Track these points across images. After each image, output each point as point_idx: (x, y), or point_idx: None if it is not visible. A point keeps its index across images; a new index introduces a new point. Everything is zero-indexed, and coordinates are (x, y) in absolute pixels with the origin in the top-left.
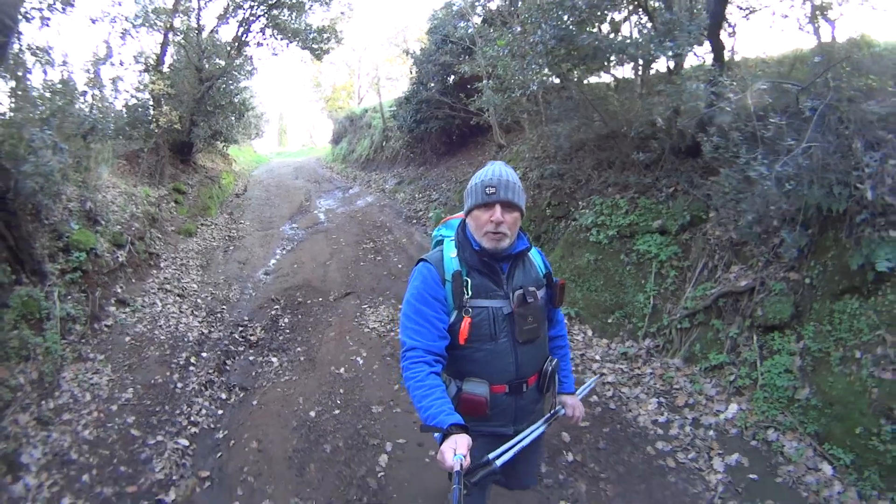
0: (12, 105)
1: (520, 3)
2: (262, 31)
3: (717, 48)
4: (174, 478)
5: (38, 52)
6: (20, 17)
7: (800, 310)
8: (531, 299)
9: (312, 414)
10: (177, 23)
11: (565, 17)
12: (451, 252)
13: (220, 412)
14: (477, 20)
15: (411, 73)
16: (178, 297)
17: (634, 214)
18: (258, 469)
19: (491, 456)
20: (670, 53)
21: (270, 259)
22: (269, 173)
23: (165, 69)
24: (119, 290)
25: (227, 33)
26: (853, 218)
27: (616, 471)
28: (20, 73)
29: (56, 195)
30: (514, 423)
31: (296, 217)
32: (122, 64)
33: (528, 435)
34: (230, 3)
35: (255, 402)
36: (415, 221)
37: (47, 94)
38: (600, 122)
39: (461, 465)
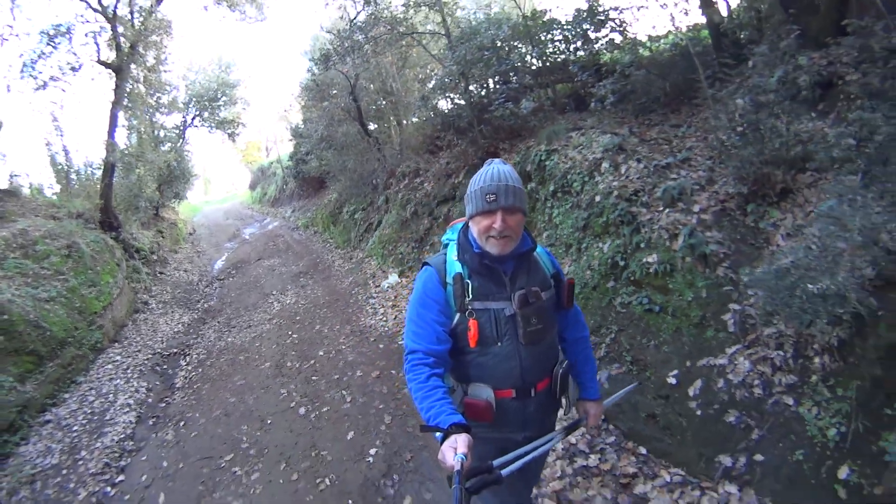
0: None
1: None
2: (193, 124)
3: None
4: (202, 300)
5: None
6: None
7: None
8: (533, 300)
9: (243, 281)
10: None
11: (322, 126)
12: (453, 255)
13: (214, 290)
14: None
15: (292, 139)
16: (184, 271)
17: (357, 204)
18: (229, 291)
19: (495, 463)
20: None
21: (222, 256)
22: (206, 218)
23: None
24: (158, 268)
25: (170, 121)
26: None
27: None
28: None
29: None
30: (522, 429)
31: (231, 240)
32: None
33: (540, 446)
34: (168, 105)
35: (225, 286)
36: (294, 229)
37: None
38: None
39: (462, 465)
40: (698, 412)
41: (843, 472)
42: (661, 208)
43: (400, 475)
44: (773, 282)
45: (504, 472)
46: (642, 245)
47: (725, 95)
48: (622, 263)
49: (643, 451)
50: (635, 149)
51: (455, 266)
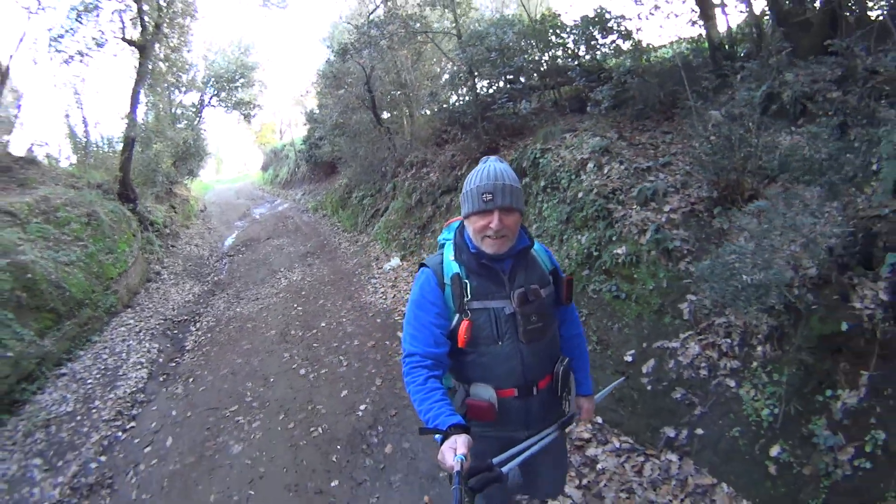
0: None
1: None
2: (211, 104)
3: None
4: (212, 273)
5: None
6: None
7: None
8: (533, 298)
9: (252, 257)
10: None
11: (337, 113)
12: (450, 255)
13: (224, 265)
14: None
15: (306, 123)
16: (195, 246)
17: (366, 190)
18: (239, 266)
19: (496, 461)
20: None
21: (233, 234)
22: (218, 196)
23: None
24: (170, 241)
25: (188, 99)
26: None
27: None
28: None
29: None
30: (525, 427)
31: (242, 218)
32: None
33: (538, 441)
34: (187, 84)
35: (235, 262)
36: (304, 211)
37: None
38: (360, 163)
39: (461, 465)
40: (649, 387)
41: (774, 451)
42: (635, 206)
43: (384, 427)
44: (714, 272)
45: (505, 469)
46: (614, 238)
47: (702, 107)
48: (596, 254)
49: (599, 420)
50: (620, 151)
51: (452, 266)
